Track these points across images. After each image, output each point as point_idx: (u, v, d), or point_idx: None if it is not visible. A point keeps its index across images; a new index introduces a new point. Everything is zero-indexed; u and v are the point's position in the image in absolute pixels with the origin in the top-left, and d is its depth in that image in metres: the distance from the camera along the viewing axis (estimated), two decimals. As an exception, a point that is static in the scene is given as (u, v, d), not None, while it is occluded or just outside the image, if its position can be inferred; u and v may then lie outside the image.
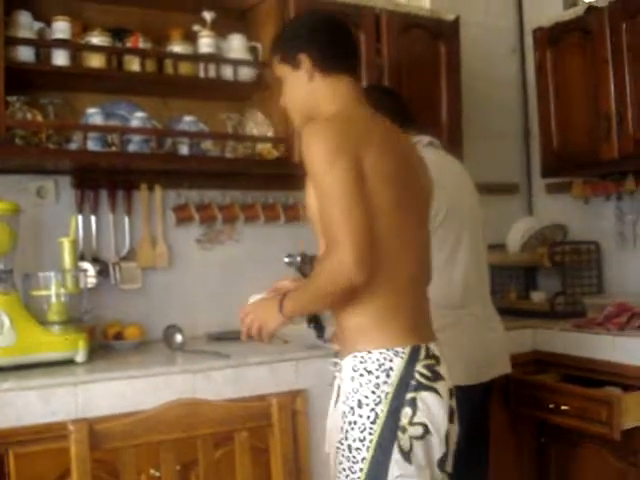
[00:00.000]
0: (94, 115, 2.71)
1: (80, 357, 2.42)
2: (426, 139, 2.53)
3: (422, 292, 1.91)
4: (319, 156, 1.71)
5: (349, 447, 1.73)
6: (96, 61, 2.73)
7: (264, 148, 2.98)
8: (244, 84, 3.04)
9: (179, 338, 2.76)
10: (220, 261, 3.21)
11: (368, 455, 1.69)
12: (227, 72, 2.98)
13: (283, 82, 1.97)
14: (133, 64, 2.81)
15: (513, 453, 3.05)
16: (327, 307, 1.89)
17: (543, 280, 3.82)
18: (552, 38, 3.43)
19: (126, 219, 2.99)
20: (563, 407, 2.80)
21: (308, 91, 1.92)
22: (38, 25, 2.68)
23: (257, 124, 3.06)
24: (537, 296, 3.59)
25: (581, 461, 2.92)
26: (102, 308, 2.86)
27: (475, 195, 2.56)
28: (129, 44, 2.83)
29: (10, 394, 2.12)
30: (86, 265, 2.83)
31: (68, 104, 2.83)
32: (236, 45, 3.02)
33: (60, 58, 2.66)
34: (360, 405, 1.72)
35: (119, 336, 2.80)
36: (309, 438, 2.55)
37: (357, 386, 1.74)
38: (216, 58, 2.95)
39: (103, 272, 2.91)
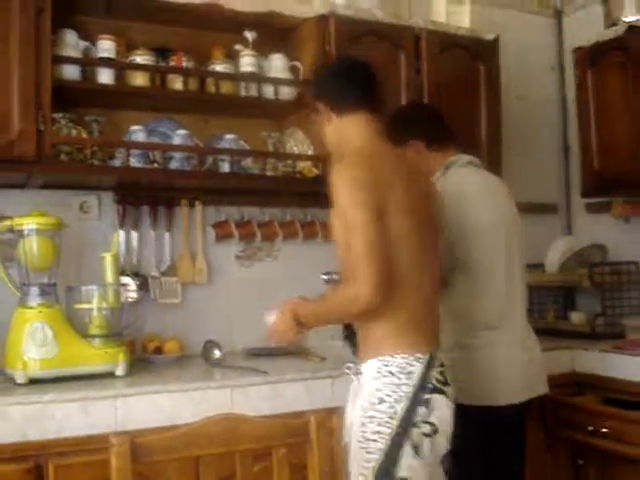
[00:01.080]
0: (137, 132, 2.76)
1: (120, 370, 2.45)
2: (465, 158, 2.53)
3: (436, 308, 2.11)
4: (344, 193, 1.96)
5: (366, 438, 1.94)
6: (140, 80, 2.79)
7: (304, 166, 3.00)
8: (284, 103, 3.07)
9: (217, 353, 2.78)
10: (258, 278, 3.23)
11: (383, 446, 1.89)
12: (268, 91, 3.02)
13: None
14: (176, 83, 2.86)
15: (550, 474, 3.00)
16: (336, 323, 2.26)
17: (582, 301, 3.78)
18: (592, 57, 3.42)
19: (166, 235, 3.03)
20: (602, 430, 2.76)
21: (331, 131, 2.21)
22: (84, 44, 2.75)
23: (297, 142, 3.08)
24: (576, 317, 3.55)
25: (619, 484, 2.87)
26: (142, 322, 2.90)
27: (515, 214, 2.54)
28: (172, 63, 2.89)
29: (51, 406, 2.15)
30: (127, 280, 2.87)
31: (112, 122, 2.89)
32: (277, 64, 3.05)
33: (105, 76, 2.72)
34: (381, 402, 1.92)
35: (158, 350, 2.83)
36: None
37: (380, 385, 1.94)
38: (257, 77, 2.99)
39: (143, 287, 2.95)
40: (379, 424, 1.91)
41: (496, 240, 2.41)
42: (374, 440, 1.91)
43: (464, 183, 2.47)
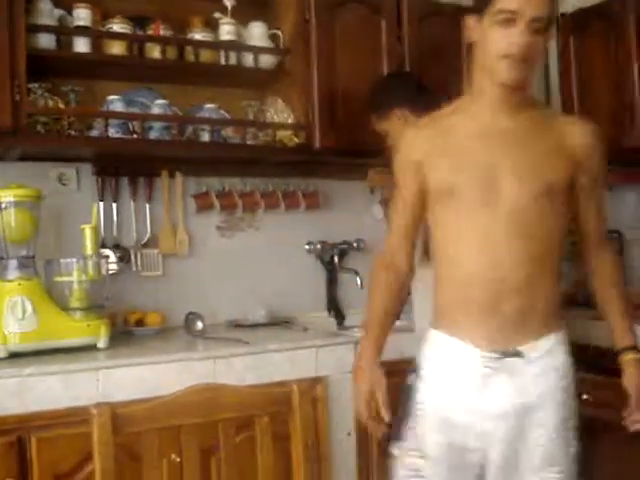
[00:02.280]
0: (115, 102, 2.72)
1: (102, 343, 2.44)
2: None
3: None
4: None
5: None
6: (117, 48, 2.74)
7: (285, 135, 2.97)
8: (265, 71, 3.04)
9: (200, 325, 2.78)
10: (240, 249, 3.21)
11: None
12: (248, 59, 2.98)
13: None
14: (154, 51, 2.81)
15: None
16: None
17: (564, 268, 3.78)
18: (575, 24, 3.40)
19: (147, 206, 3.01)
20: (583, 396, 2.77)
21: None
22: (59, 12, 2.69)
23: (278, 111, 3.05)
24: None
25: (601, 451, 2.89)
26: (123, 294, 2.88)
27: None
28: (150, 31, 2.83)
29: (32, 379, 2.15)
30: (107, 252, 2.85)
31: (89, 91, 2.84)
32: (257, 32, 3.01)
33: (81, 45, 2.67)
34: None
35: (140, 322, 2.82)
36: (329, 425, 2.55)
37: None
38: (237, 45, 2.95)
39: (124, 259, 2.93)
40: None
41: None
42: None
43: None
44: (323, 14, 2.94)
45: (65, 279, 2.50)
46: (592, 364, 2.87)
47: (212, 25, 2.95)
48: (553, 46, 3.67)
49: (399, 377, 2.44)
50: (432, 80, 2.83)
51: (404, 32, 3.12)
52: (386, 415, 1.97)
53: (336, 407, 2.57)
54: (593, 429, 2.75)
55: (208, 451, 1.81)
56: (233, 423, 1.60)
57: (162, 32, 2.84)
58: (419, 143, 1.96)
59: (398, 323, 2.84)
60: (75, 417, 2.09)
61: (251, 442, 1.64)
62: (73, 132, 2.62)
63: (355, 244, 3.41)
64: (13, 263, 2.42)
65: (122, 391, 2.22)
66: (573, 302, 3.34)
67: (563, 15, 3.46)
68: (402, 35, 3.12)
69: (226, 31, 2.92)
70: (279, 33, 3.04)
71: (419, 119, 2.50)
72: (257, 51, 2.99)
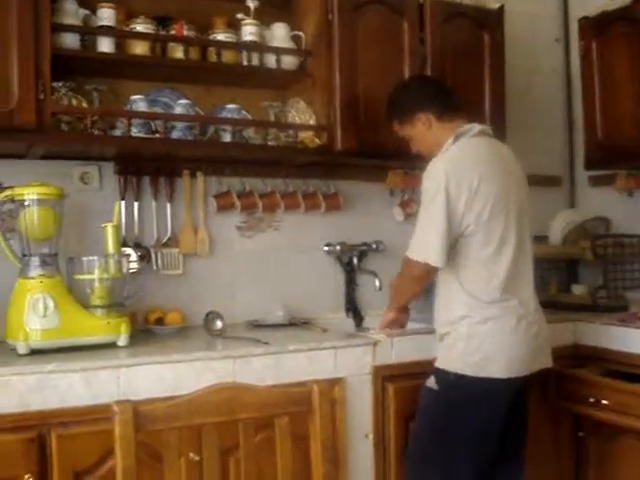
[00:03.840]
0: (138, 102, 2.73)
1: (122, 341, 2.46)
2: (477, 127, 2.49)
3: None
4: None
5: None
6: (140, 48, 2.76)
7: (306, 137, 2.98)
8: (287, 72, 3.05)
9: (219, 324, 2.79)
10: (260, 249, 3.22)
11: None
12: (270, 60, 2.99)
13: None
14: (177, 52, 2.83)
15: (551, 446, 3.02)
16: None
17: (585, 273, 3.77)
18: (598, 27, 3.39)
19: (168, 206, 3.02)
20: (603, 401, 2.77)
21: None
22: (83, 12, 2.72)
23: (299, 112, 3.06)
24: (578, 289, 3.55)
25: (619, 456, 2.88)
26: (144, 293, 2.90)
27: (524, 185, 2.52)
28: (173, 32, 2.85)
29: (53, 376, 2.16)
30: (129, 250, 2.86)
31: (112, 91, 2.86)
32: (279, 33, 3.02)
33: (105, 45, 2.68)
34: None
35: (160, 321, 2.83)
36: (347, 427, 2.55)
37: None
38: (259, 46, 2.96)
39: (145, 258, 2.94)
40: None
41: (505, 214, 2.39)
42: None
43: (476, 151, 2.45)
44: (345, 15, 2.94)
45: (87, 277, 2.51)
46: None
47: (235, 26, 2.96)
48: (576, 50, 3.66)
49: (420, 379, 2.47)
50: (454, 82, 2.83)
51: (426, 34, 3.12)
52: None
53: (354, 409, 2.57)
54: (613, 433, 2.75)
55: (227, 451, 1.83)
56: (253, 423, 1.60)
57: (185, 32, 2.85)
58: None
59: (418, 326, 2.86)
60: (95, 414, 2.11)
61: (270, 442, 1.64)
62: (96, 131, 2.64)
63: (374, 246, 3.41)
64: (35, 260, 2.44)
65: (142, 389, 2.24)
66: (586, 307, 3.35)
67: (586, 18, 3.45)
68: (424, 37, 3.12)
69: (248, 32, 2.93)
70: (301, 34, 3.05)
71: (443, 124, 2.51)
72: (279, 52, 3.00)
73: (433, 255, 2.33)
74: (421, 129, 2.55)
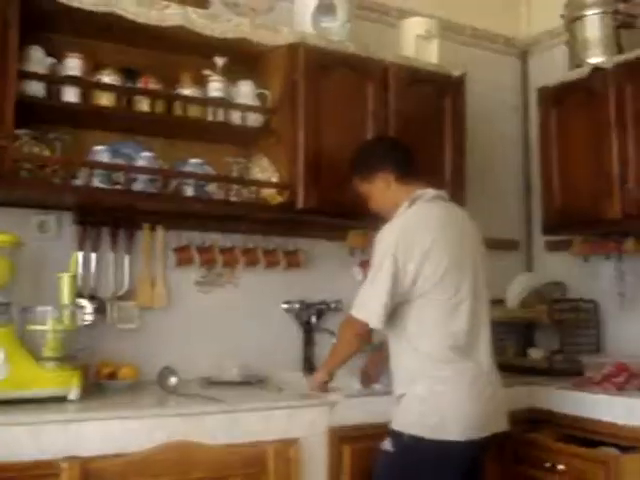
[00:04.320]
0: (101, 153, 2.72)
1: (73, 395, 2.39)
2: (432, 192, 2.54)
3: None
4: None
5: None
6: (106, 100, 2.76)
7: (268, 194, 2.99)
8: (251, 129, 3.07)
9: (173, 380, 2.73)
10: (218, 304, 3.19)
11: None
12: (235, 117, 3.01)
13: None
14: (143, 104, 2.83)
15: (507, 512, 2.99)
16: None
17: (541, 337, 3.80)
18: (556, 97, 3.49)
19: (126, 258, 2.99)
20: (559, 467, 2.76)
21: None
22: (50, 61, 2.71)
23: (262, 169, 3.07)
24: (535, 353, 3.58)
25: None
26: (97, 346, 2.83)
27: (481, 248, 2.55)
28: (140, 84, 2.86)
29: (-1, 429, 2.09)
30: (84, 302, 2.82)
31: (76, 140, 2.84)
32: (245, 91, 3.05)
33: (70, 95, 2.68)
34: None
35: (112, 376, 2.76)
36: (302, 488, 2.51)
37: None
38: (225, 103, 2.98)
39: (100, 310, 2.89)
40: None
41: (462, 273, 2.41)
42: None
43: (430, 215, 2.48)
44: (311, 76, 2.99)
45: (39, 328, 2.45)
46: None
47: (201, 81, 2.99)
48: (534, 117, 3.76)
49: (377, 440, 2.43)
50: (416, 146, 2.86)
51: (390, 97, 3.18)
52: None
53: (309, 470, 2.51)
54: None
55: (178, 511, 1.78)
56: (205, 483, 1.57)
57: (151, 86, 2.87)
58: None
59: (377, 387, 2.85)
60: (42, 470, 2.03)
61: (223, 503, 1.61)
62: (57, 180, 2.62)
63: (333, 305, 3.40)
64: (-13, 309, 2.38)
65: (91, 446, 2.15)
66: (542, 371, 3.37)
67: (545, 88, 3.54)
68: (388, 100, 3.17)
69: (215, 88, 2.96)
70: (267, 92, 3.08)
71: (401, 187, 2.55)
72: (244, 109, 3.03)
73: (374, 316, 2.38)
74: (380, 188, 2.59)
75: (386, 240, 2.41)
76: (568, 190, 3.39)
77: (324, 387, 2.66)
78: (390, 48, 3.36)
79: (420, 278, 2.36)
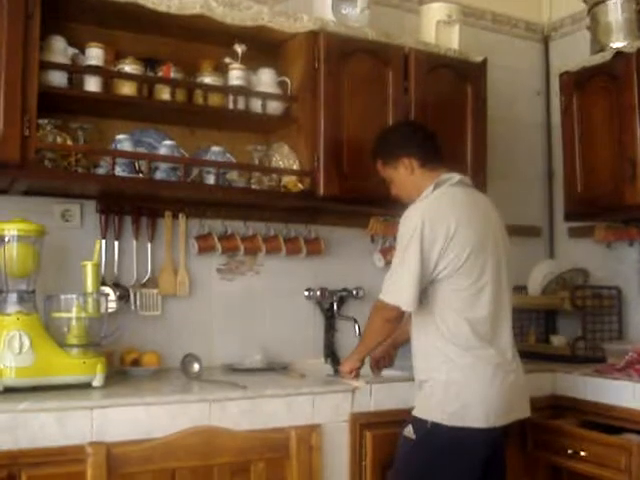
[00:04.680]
0: (123, 142, 2.74)
1: (97, 381, 2.42)
2: (456, 177, 2.53)
3: None
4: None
5: None
6: (127, 89, 2.77)
7: (289, 181, 2.99)
8: (272, 117, 3.07)
9: (196, 367, 2.75)
10: (240, 292, 3.21)
11: None
12: (256, 105, 3.01)
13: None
14: (163, 93, 2.84)
15: (528, 498, 3.00)
16: None
17: (563, 324, 3.79)
18: (579, 82, 3.45)
19: (149, 246, 3.01)
20: (581, 453, 2.76)
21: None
22: (72, 51, 2.73)
23: (283, 157, 3.08)
24: (557, 340, 3.57)
25: (597, 509, 2.86)
26: (121, 333, 2.85)
27: (503, 234, 2.54)
28: (160, 73, 2.87)
29: (26, 415, 2.11)
30: (107, 290, 2.84)
31: (98, 130, 2.87)
32: (266, 79, 3.05)
33: (92, 84, 2.70)
34: None
35: (136, 362, 2.79)
36: (323, 474, 2.52)
37: None
38: (245, 91, 2.98)
39: (123, 297, 2.92)
40: None
41: (485, 258, 2.41)
42: None
43: (454, 199, 2.47)
44: (331, 64, 2.98)
45: (64, 315, 2.49)
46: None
47: (222, 70, 2.99)
48: (556, 103, 3.73)
49: (398, 427, 2.45)
50: (436, 132, 2.85)
51: (411, 83, 3.17)
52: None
53: (331, 456, 2.54)
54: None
55: (201, 496, 1.80)
56: (228, 468, 1.58)
57: (172, 74, 2.88)
58: None
59: (397, 373, 2.85)
60: (68, 455, 2.07)
61: (245, 488, 1.62)
62: (80, 169, 2.64)
63: (354, 292, 3.41)
64: (13, 297, 2.41)
65: (116, 431, 2.20)
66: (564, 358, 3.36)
67: (567, 73, 3.52)
68: (409, 86, 3.16)
69: (235, 76, 2.96)
70: (287, 80, 3.08)
71: (425, 172, 2.54)
72: (265, 97, 3.03)
73: (405, 299, 2.36)
74: (403, 173, 2.57)
75: (412, 221, 2.39)
76: (590, 176, 3.37)
77: (356, 374, 2.66)
78: (410, 34, 3.35)
79: (444, 261, 2.35)
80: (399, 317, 2.46)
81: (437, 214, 2.39)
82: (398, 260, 2.41)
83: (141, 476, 1.48)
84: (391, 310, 2.42)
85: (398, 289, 2.38)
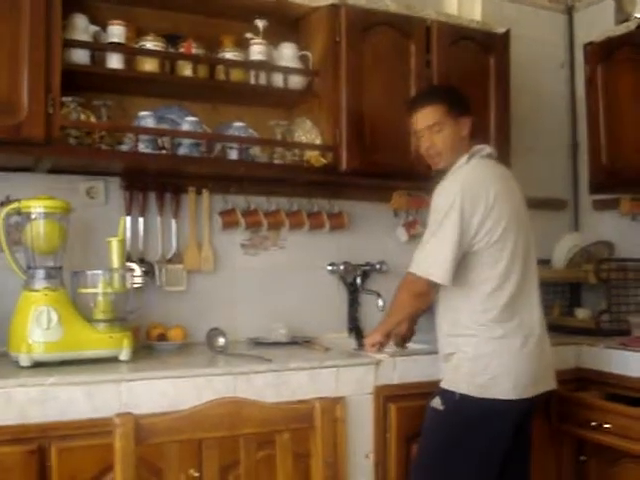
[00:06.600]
0: (146, 118, 2.75)
1: (124, 355, 2.45)
2: (487, 149, 2.52)
3: None
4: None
5: None
6: (149, 65, 2.78)
7: (312, 156, 2.99)
8: (294, 92, 3.07)
9: (222, 341, 2.78)
10: (264, 267, 3.23)
11: None
12: (277, 80, 3.01)
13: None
14: (185, 69, 2.85)
15: (553, 470, 3.00)
16: None
17: (588, 297, 3.77)
18: (603, 53, 3.41)
19: (173, 222, 3.03)
20: (605, 425, 2.76)
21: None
22: (94, 29, 2.74)
23: (305, 132, 3.07)
24: (582, 313, 3.55)
25: (621, 480, 2.87)
26: (147, 308, 2.90)
27: (526, 208, 2.53)
28: (182, 49, 2.87)
29: (55, 389, 2.15)
30: (133, 265, 2.87)
31: (121, 107, 2.89)
32: (287, 53, 3.05)
33: (114, 61, 2.71)
34: None
35: (162, 337, 2.83)
36: (347, 446, 2.55)
37: None
38: (267, 65, 2.98)
39: (149, 273, 2.95)
40: None
41: (518, 231, 2.41)
42: None
43: (489, 171, 2.47)
44: (353, 37, 2.97)
45: (90, 291, 2.52)
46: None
47: (243, 45, 2.99)
48: (580, 74, 3.69)
49: (422, 399, 2.46)
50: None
51: (433, 56, 3.14)
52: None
53: (355, 428, 2.56)
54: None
55: (228, 467, 1.82)
56: (254, 439, 1.60)
57: (194, 50, 2.88)
58: None
59: (420, 346, 2.86)
60: (96, 428, 2.10)
61: (271, 459, 1.64)
62: (104, 146, 2.66)
63: (378, 266, 3.41)
64: (40, 273, 2.44)
65: (143, 404, 2.23)
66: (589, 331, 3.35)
67: (592, 44, 3.47)
68: (431, 59, 3.14)
69: (257, 51, 2.96)
70: (309, 54, 3.08)
71: (470, 137, 2.52)
72: (287, 72, 3.02)
73: (441, 272, 2.33)
74: (456, 131, 2.52)
75: (451, 192, 2.36)
76: (615, 148, 3.33)
77: (379, 348, 2.65)
78: (432, 6, 3.33)
79: (481, 233, 2.34)
80: (430, 291, 2.43)
81: (477, 186, 2.38)
82: (433, 231, 2.37)
83: (168, 446, 1.50)
84: (422, 284, 2.40)
85: (432, 262, 2.35)
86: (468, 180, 2.38)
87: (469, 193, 2.33)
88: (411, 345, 2.86)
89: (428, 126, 2.53)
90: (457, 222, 2.31)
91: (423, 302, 2.50)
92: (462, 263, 2.36)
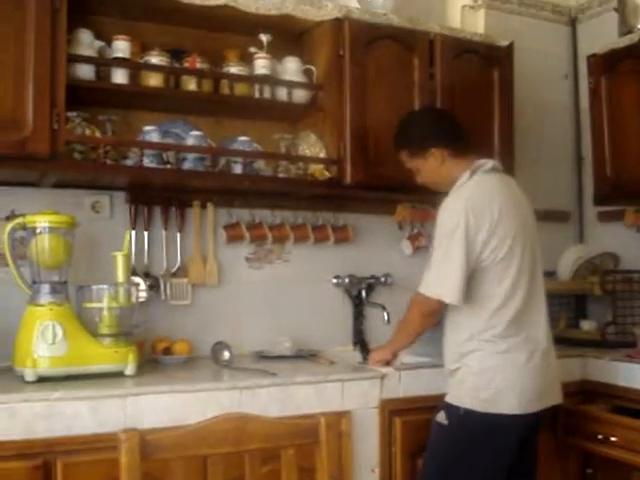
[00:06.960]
0: (151, 133, 2.76)
1: (129, 370, 2.45)
2: (490, 163, 2.51)
3: None
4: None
5: None
6: (154, 80, 2.79)
7: (316, 169, 3.00)
8: (298, 106, 3.08)
9: (227, 355, 2.78)
10: (269, 280, 3.23)
11: None
12: (282, 94, 3.02)
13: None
14: (190, 84, 2.86)
15: (559, 484, 2.99)
16: None
17: (593, 309, 3.76)
18: (607, 65, 3.41)
19: (178, 236, 3.03)
20: (612, 438, 2.74)
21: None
22: (99, 44, 2.76)
23: (310, 145, 3.08)
24: (587, 325, 3.54)
25: (628, 494, 2.85)
26: (152, 322, 2.90)
27: (533, 220, 2.53)
28: (186, 64, 2.89)
29: (60, 404, 2.16)
30: (138, 280, 2.87)
31: (126, 122, 2.89)
32: (291, 67, 3.06)
33: (119, 76, 2.72)
34: None
35: (167, 351, 2.83)
36: (353, 460, 2.54)
37: None
38: (271, 80, 2.99)
39: (154, 287, 2.95)
40: None
41: (524, 245, 2.40)
42: None
43: (493, 186, 2.45)
44: (356, 51, 2.98)
45: (96, 305, 2.52)
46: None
47: (247, 59, 3.00)
48: (584, 86, 3.69)
49: (427, 413, 2.45)
50: (464, 118, 2.84)
51: (436, 69, 3.15)
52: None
53: (360, 442, 2.56)
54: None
55: (233, 484, 1.82)
56: (259, 454, 1.60)
57: (198, 65, 2.89)
58: None
59: (425, 360, 2.86)
60: (101, 443, 2.11)
61: (276, 474, 1.63)
62: (109, 161, 2.67)
63: (383, 279, 3.41)
64: (45, 288, 2.45)
65: (148, 419, 2.23)
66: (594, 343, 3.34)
67: (594, 56, 3.48)
68: (434, 72, 3.15)
69: (261, 65, 2.97)
70: (313, 68, 3.09)
71: (457, 160, 2.51)
72: (291, 86, 3.04)
73: (450, 292, 2.32)
74: (433, 164, 2.54)
75: (454, 211, 2.36)
76: (620, 159, 3.33)
77: (385, 365, 2.66)
78: (436, 19, 3.34)
79: (486, 251, 2.33)
80: (439, 311, 2.43)
81: (480, 202, 2.37)
82: (440, 252, 2.37)
83: (174, 462, 1.51)
84: (432, 304, 2.39)
85: (441, 282, 2.35)
86: (472, 197, 2.38)
87: (472, 211, 2.33)
88: (416, 358, 2.85)
89: (409, 167, 2.62)
90: (463, 241, 2.30)
91: (431, 322, 2.50)
92: (469, 280, 2.36)
